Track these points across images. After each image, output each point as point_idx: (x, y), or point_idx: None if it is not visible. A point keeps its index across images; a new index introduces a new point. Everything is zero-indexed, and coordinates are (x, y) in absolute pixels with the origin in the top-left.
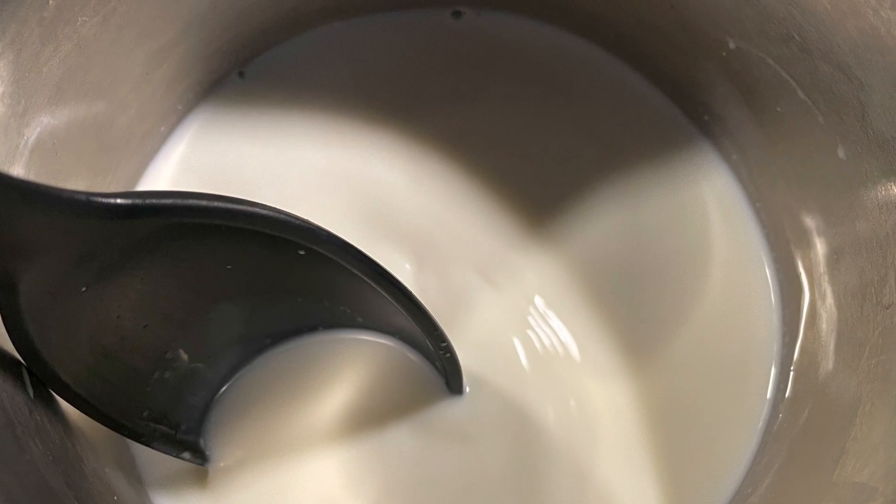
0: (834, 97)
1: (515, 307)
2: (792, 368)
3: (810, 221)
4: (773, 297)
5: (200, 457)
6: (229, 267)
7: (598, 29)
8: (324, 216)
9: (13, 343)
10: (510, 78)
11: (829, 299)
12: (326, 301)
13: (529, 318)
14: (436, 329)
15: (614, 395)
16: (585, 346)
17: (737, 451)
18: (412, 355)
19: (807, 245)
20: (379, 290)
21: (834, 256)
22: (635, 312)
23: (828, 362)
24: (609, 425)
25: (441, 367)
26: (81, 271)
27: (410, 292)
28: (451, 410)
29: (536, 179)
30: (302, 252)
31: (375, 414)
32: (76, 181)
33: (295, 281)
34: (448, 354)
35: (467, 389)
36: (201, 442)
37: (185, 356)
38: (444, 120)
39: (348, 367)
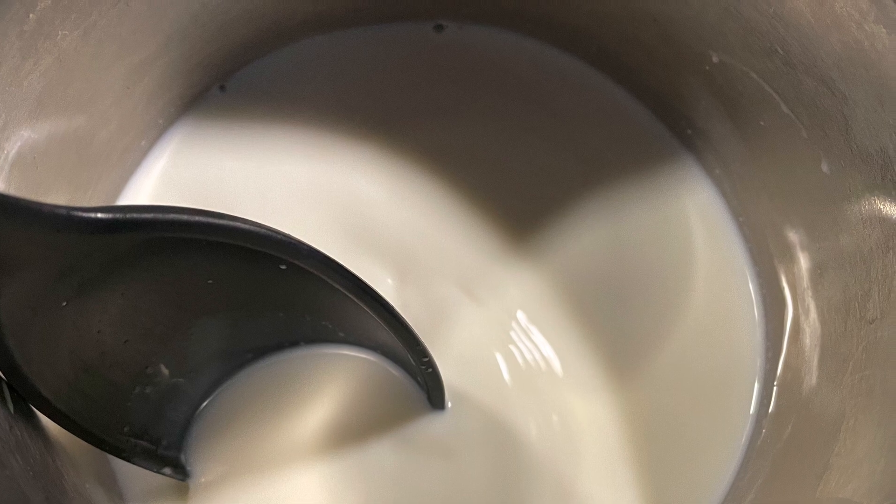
0: (817, 111)
1: (498, 322)
2: (775, 383)
3: (794, 236)
4: (756, 312)
5: (181, 472)
6: (210, 282)
7: (580, 42)
8: (305, 231)
9: None
10: (492, 92)
11: (813, 314)
12: (308, 316)
13: (512, 333)
14: (418, 344)
15: (597, 411)
16: (568, 361)
17: (720, 467)
18: (394, 370)
19: (790, 260)
20: (361, 304)
21: (817, 271)
22: (618, 327)
23: (811, 377)
24: (591, 440)
25: (423, 383)
26: (62, 286)
27: (392, 307)
28: (433, 425)
29: (519, 194)
30: (283, 267)
31: (357, 429)
32: (56, 195)
33: (276, 296)
34: (430, 369)
35: (449, 404)
36: (182, 457)
37: (165, 371)
38: (426, 134)
39: (330, 382)
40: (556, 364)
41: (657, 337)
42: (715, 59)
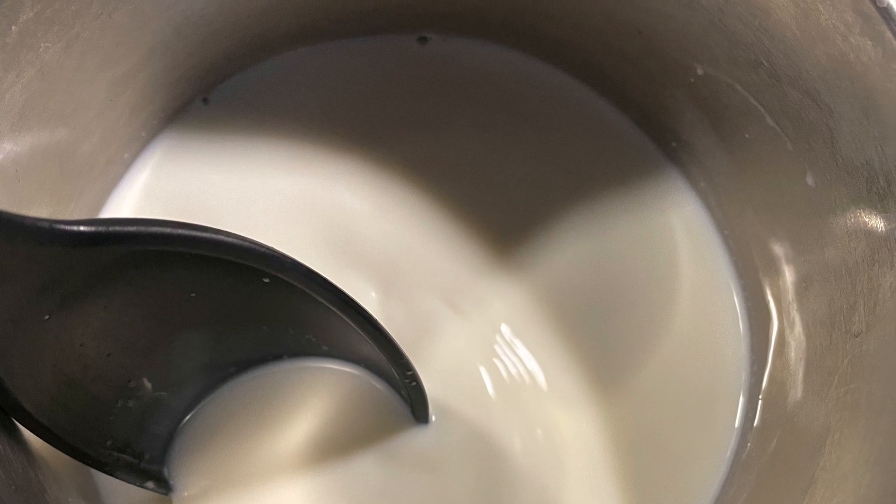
0: (803, 124)
1: (482, 335)
2: (760, 397)
3: (779, 249)
4: (741, 326)
5: (164, 486)
6: (193, 295)
7: (564, 55)
8: (288, 243)
9: None
10: (476, 104)
11: (798, 327)
12: (291, 329)
13: (496, 347)
14: (401, 357)
15: (581, 424)
16: (552, 375)
17: (705, 481)
18: (378, 384)
19: (775, 273)
20: (344, 318)
21: (803, 284)
22: (603, 341)
23: (796, 391)
24: (576, 454)
25: (407, 396)
26: (44, 299)
27: (376, 320)
28: (416, 439)
29: (503, 207)
30: (267, 280)
31: (341, 443)
32: (39, 208)
33: (259, 309)
34: (414, 383)
35: (433, 418)
36: (165, 471)
37: (148, 385)
38: (410, 147)
39: (313, 396)
40: (541, 377)
41: (642, 350)
42: (700, 72)
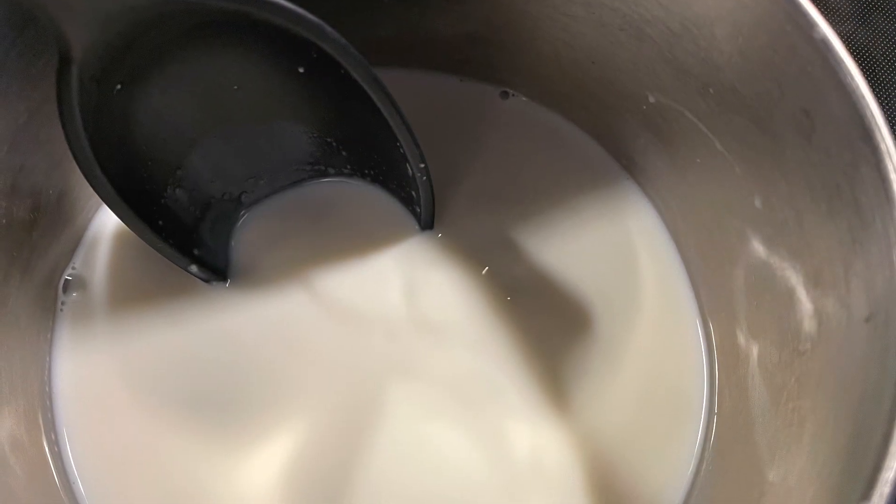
0: (749, 149)
1: (451, 349)
2: (716, 412)
3: (730, 268)
4: (701, 344)
5: (207, 273)
6: (236, 87)
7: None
8: (260, 273)
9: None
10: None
11: (752, 346)
12: (315, 132)
13: (466, 361)
14: (417, 147)
15: (549, 440)
16: (521, 387)
17: (664, 495)
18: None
19: (730, 291)
20: (369, 92)
21: (754, 303)
22: (569, 357)
23: (750, 407)
24: (546, 469)
25: (416, 197)
26: (119, 66)
27: (396, 102)
28: (390, 462)
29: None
30: (301, 70)
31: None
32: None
33: (289, 105)
34: (425, 177)
35: (405, 438)
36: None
37: (193, 177)
38: None
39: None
40: (511, 391)
41: (606, 367)
42: (651, 99)
